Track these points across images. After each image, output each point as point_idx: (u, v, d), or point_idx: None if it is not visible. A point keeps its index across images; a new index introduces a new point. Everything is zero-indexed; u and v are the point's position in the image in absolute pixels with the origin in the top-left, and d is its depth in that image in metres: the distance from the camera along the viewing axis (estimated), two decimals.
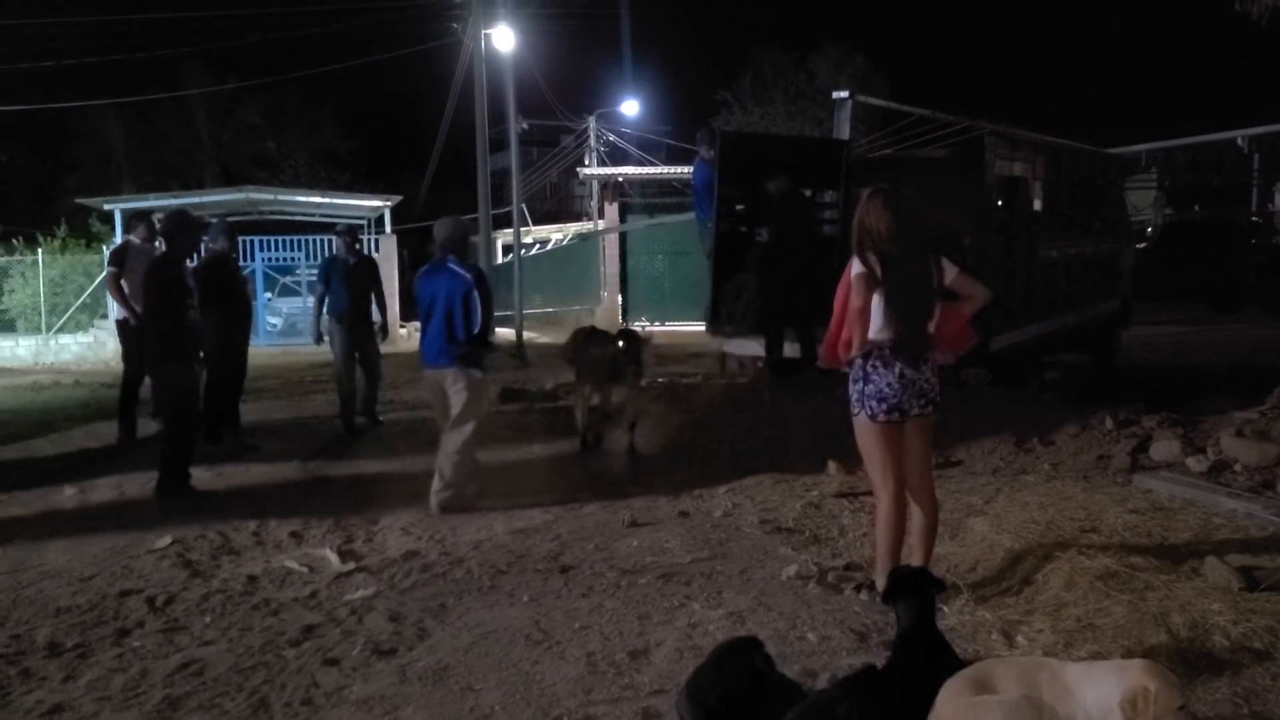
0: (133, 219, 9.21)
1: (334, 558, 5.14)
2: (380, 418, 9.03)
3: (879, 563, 4.17)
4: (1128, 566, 4.14)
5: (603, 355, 7.29)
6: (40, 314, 19.61)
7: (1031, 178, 9.65)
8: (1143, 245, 17.79)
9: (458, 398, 6.11)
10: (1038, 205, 9.80)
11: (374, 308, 9.15)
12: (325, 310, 8.68)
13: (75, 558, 5.26)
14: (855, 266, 4.07)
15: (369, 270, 9.07)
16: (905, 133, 10.40)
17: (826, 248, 8.53)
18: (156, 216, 9.05)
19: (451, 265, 6.17)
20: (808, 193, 8.65)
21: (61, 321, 19.47)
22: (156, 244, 8.53)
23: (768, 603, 4.23)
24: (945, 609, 3.97)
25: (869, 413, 4.05)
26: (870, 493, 4.97)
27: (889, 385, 4.01)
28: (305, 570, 4.99)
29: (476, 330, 6.08)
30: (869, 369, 4.04)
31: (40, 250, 19.96)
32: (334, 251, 9.11)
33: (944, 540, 4.68)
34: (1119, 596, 3.87)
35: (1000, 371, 8.54)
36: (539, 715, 3.31)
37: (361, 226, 22.09)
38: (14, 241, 20.39)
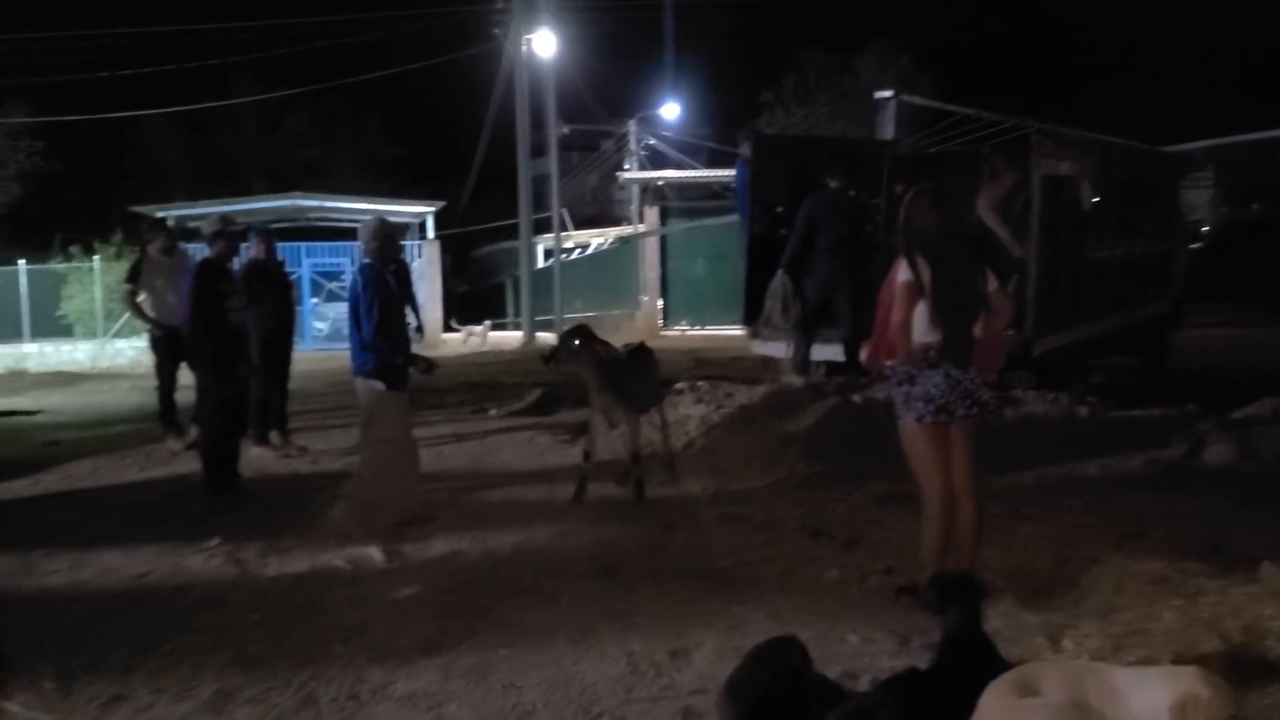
0: (149, 229, 9.33)
1: (379, 557, 5.21)
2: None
3: (923, 566, 4.14)
4: (1179, 571, 4.07)
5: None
6: (97, 319, 20.09)
7: (1080, 177, 9.49)
8: (1198, 245, 17.40)
9: (363, 411, 5.90)
10: (1086, 205, 9.64)
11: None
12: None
13: (130, 556, 5.38)
14: (902, 273, 4.04)
15: (404, 275, 9.24)
16: (951, 132, 10.29)
17: (867, 249, 8.46)
18: (170, 223, 9.19)
19: (357, 269, 5.94)
20: (852, 193, 8.58)
21: (117, 326, 19.93)
22: (178, 253, 8.72)
23: (809, 605, 4.22)
24: (989, 612, 3.92)
25: (916, 414, 4.02)
26: (914, 495, 4.94)
27: (936, 386, 3.97)
28: (351, 569, 5.06)
29: (365, 338, 5.65)
30: (914, 370, 4.02)
31: (97, 257, 20.46)
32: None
33: (988, 543, 4.63)
34: (1170, 601, 3.81)
35: (1045, 374, 8.42)
36: (580, 713, 3.33)
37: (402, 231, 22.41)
38: (72, 249, 20.92)
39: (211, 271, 6.75)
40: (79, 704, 3.56)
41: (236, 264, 7.35)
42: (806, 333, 8.42)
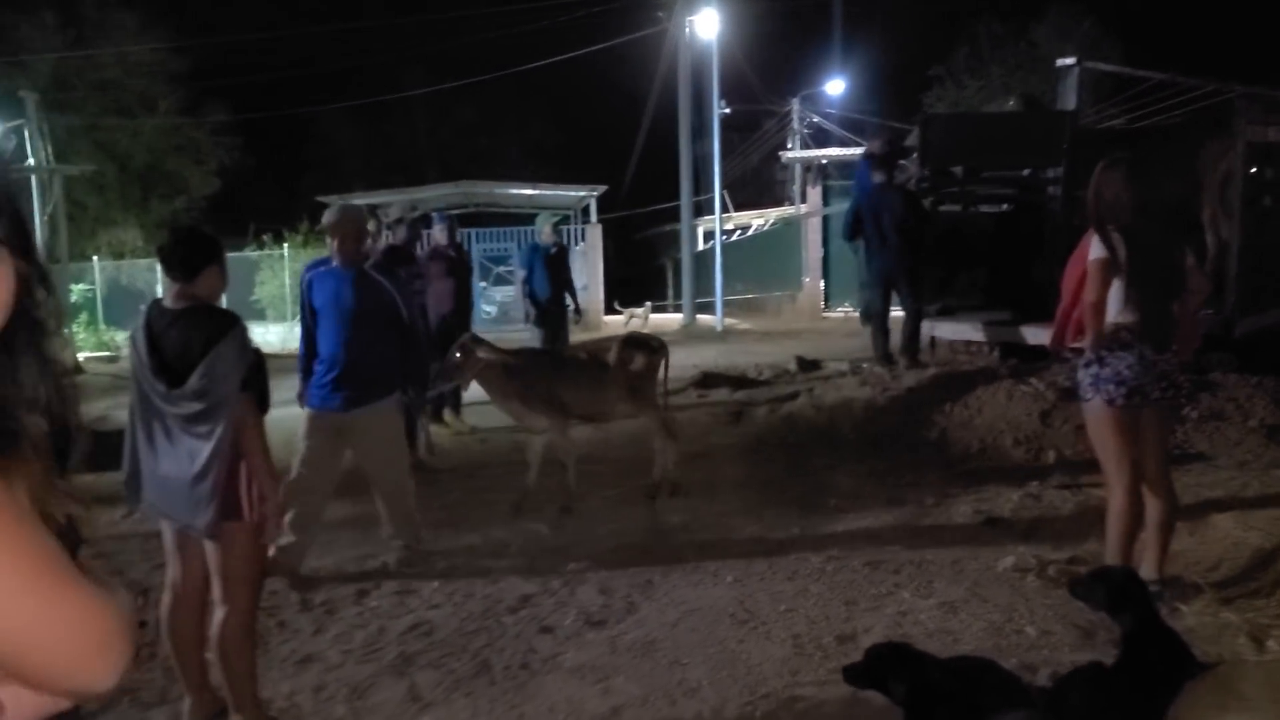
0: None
1: (546, 532, 5.36)
2: None
3: (1110, 558, 3.91)
4: None
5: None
6: (286, 303, 21.47)
7: None
8: None
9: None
10: None
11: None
12: (526, 294, 9.19)
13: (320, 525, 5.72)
14: (1095, 249, 3.80)
15: (564, 258, 9.52)
16: (1141, 100, 9.63)
17: (918, 239, 8.34)
18: (380, 212, 9.73)
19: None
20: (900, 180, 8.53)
21: None
22: (384, 237, 9.16)
23: (982, 594, 4.07)
24: (1184, 608, 3.69)
25: (1106, 397, 3.78)
26: (1095, 484, 4.68)
27: (1129, 367, 3.73)
28: (520, 543, 5.23)
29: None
30: (1105, 351, 3.79)
31: (285, 245, 21.85)
32: (536, 239, 9.55)
33: (1182, 536, 4.34)
34: None
35: (1248, 357, 7.80)
36: (746, 693, 3.33)
37: (566, 217, 22.93)
38: (263, 238, 22.41)
39: (395, 255, 7.09)
40: (275, 661, 3.83)
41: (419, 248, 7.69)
42: (885, 322, 8.57)
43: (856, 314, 20.60)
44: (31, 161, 18.87)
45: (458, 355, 5.71)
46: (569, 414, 5.90)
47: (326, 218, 4.79)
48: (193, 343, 2.99)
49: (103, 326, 21.02)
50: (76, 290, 21.62)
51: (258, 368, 3.12)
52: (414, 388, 5.11)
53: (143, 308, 3.28)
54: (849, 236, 8.64)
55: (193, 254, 3.12)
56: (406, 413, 5.74)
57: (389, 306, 4.77)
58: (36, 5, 24.68)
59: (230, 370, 2.98)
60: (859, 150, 24.78)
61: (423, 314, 7.23)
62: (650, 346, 6.14)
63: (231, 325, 3.06)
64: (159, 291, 21.56)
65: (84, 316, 21.02)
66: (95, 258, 23.85)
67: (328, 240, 4.82)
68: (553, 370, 5.97)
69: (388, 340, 4.77)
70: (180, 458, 3.00)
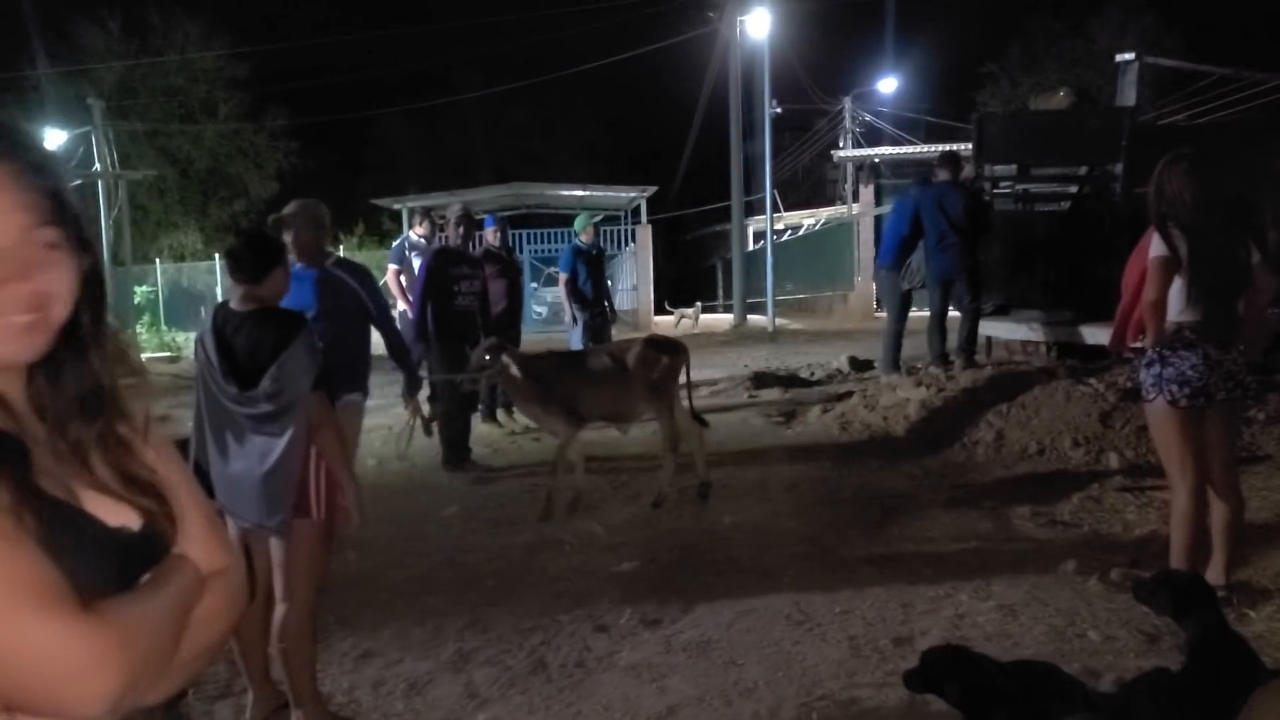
0: (415, 214, 10.17)
1: (601, 531, 5.39)
2: None
3: (1174, 562, 3.84)
4: None
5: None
6: None
7: None
8: None
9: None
10: None
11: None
12: (573, 296, 9.25)
13: (376, 522, 5.80)
14: (1155, 247, 3.73)
15: (603, 259, 9.68)
16: (1202, 95, 9.43)
17: (972, 240, 8.16)
18: (436, 214, 9.90)
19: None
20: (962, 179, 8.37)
21: None
22: (437, 238, 9.28)
23: (1042, 597, 4.01)
24: (1252, 614, 3.60)
25: (1168, 398, 3.72)
26: (1158, 486, 4.59)
27: (1192, 367, 3.66)
28: (575, 541, 5.26)
29: None
30: (1167, 350, 3.72)
31: (341, 247, 22.23)
32: (576, 241, 9.60)
33: (1250, 540, 4.24)
34: None
35: None
36: (802, 694, 3.32)
37: (617, 217, 23.06)
38: None
39: (446, 256, 7.16)
40: (335, 657, 3.90)
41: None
42: (943, 322, 8.38)
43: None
44: (98, 167, 19.40)
45: (486, 357, 5.82)
46: (590, 416, 5.93)
47: (284, 211, 4.70)
48: (262, 345, 3.06)
49: (164, 327, 21.56)
50: (139, 292, 22.21)
51: (323, 368, 3.19)
52: (406, 379, 5.30)
53: (204, 311, 3.36)
54: (896, 255, 8.38)
55: (261, 256, 3.20)
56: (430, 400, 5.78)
57: (354, 304, 4.71)
58: (102, 14, 25.40)
59: (301, 371, 3.05)
60: (911, 149, 24.61)
61: (483, 313, 7.32)
62: (672, 348, 6.12)
63: (300, 327, 3.12)
64: (218, 293, 22.19)
65: (146, 318, 21.58)
66: (157, 260, 24.48)
67: (283, 234, 4.66)
68: (573, 373, 5.98)
69: (353, 338, 4.74)
70: (250, 457, 3.07)
